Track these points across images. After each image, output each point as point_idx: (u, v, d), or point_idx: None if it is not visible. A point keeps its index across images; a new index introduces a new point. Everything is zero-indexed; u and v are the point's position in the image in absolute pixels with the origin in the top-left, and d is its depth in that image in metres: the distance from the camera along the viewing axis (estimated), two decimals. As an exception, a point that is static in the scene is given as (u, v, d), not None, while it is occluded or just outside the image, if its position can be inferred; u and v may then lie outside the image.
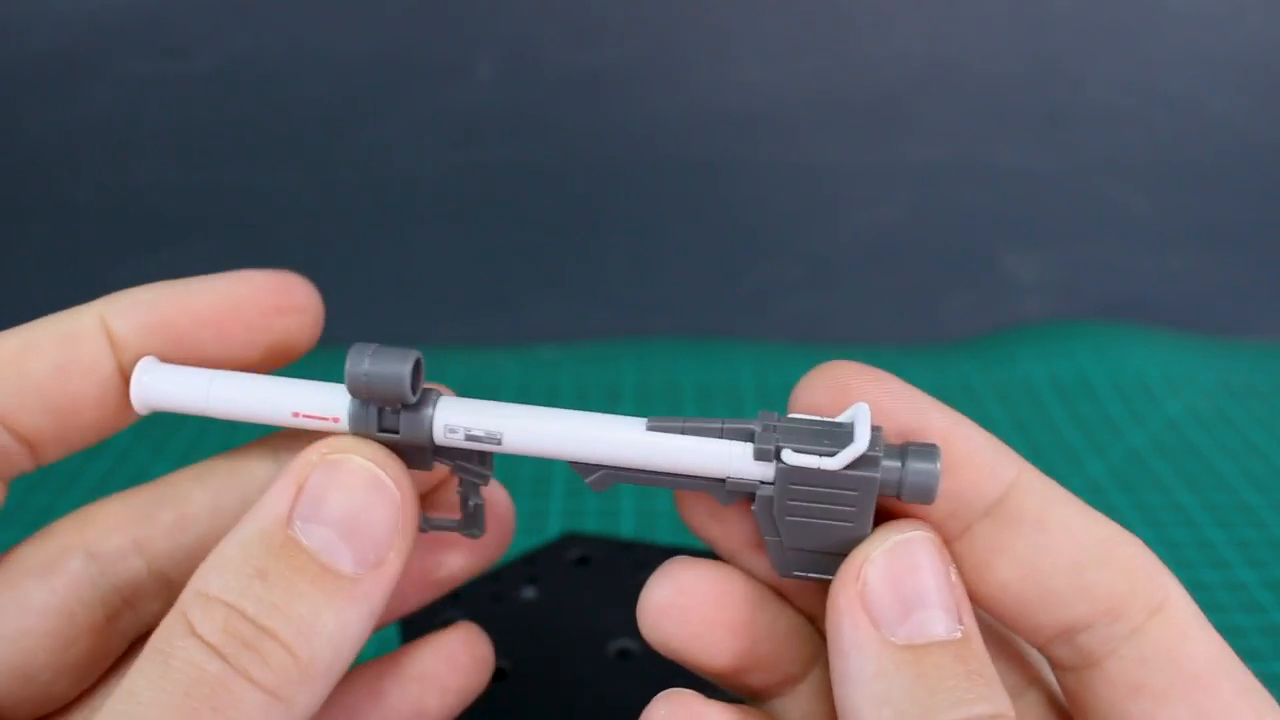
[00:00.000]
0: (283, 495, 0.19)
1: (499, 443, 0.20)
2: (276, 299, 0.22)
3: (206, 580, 0.19)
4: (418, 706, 0.23)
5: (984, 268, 0.63)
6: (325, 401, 0.21)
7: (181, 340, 0.22)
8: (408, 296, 0.61)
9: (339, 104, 0.59)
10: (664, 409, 0.53)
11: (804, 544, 0.20)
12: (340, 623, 0.19)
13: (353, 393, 0.20)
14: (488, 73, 0.59)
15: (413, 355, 0.20)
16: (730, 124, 0.61)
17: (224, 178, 0.60)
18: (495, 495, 0.24)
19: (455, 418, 0.20)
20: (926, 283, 0.63)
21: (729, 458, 0.19)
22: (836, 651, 0.19)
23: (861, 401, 0.19)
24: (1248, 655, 0.38)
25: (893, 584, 0.19)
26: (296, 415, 0.21)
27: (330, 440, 0.20)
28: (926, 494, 0.19)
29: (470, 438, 0.20)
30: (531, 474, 0.47)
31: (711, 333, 0.58)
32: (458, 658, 0.24)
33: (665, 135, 0.61)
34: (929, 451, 0.19)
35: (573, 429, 0.20)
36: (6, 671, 0.21)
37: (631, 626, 0.35)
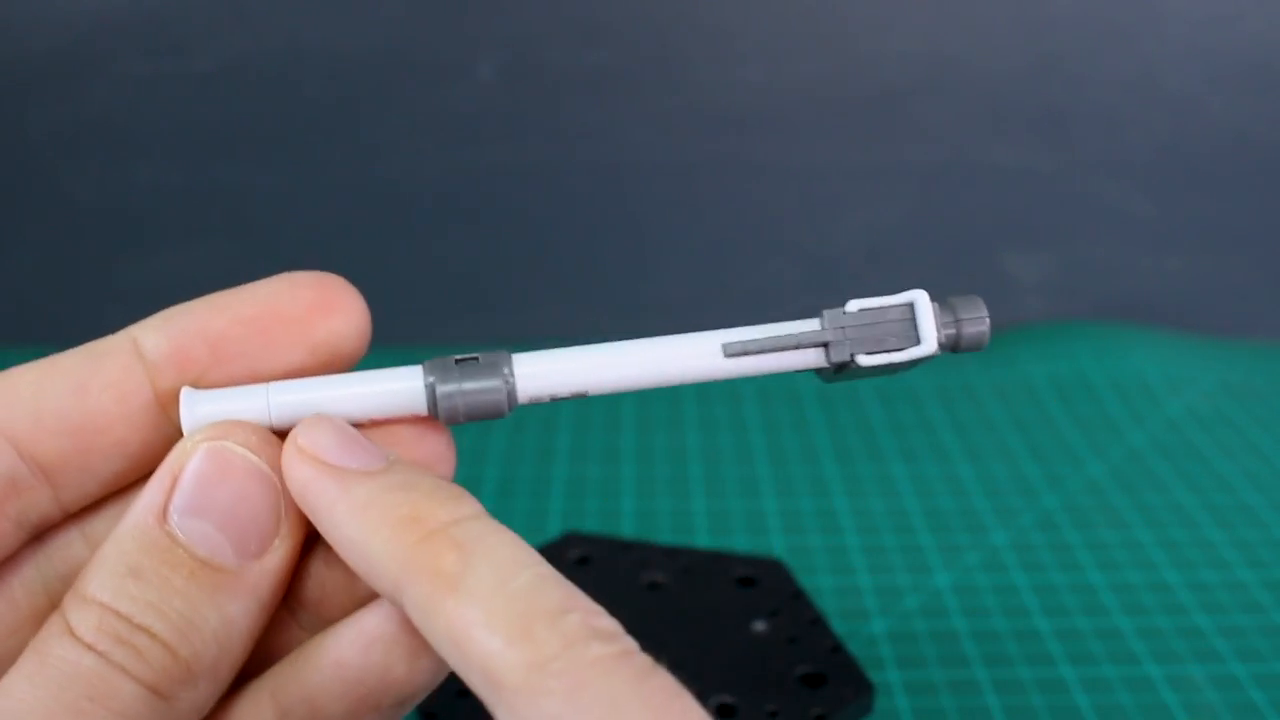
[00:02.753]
0: (157, 488, 0.19)
1: (584, 394, 0.20)
2: (319, 299, 0.21)
3: (85, 580, 0.18)
4: (383, 674, 0.20)
5: (984, 268, 0.63)
6: (399, 400, 0.20)
7: (221, 348, 0.20)
8: (408, 296, 0.61)
9: (339, 104, 0.59)
10: (664, 409, 0.53)
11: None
12: (223, 618, 0.19)
13: (447, 421, 0.20)
14: (488, 73, 0.59)
15: (499, 373, 0.20)
16: (730, 124, 0.61)
17: (224, 178, 0.60)
18: None
19: (537, 388, 0.20)
20: (926, 283, 0.63)
21: (803, 362, 0.20)
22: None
23: (920, 290, 0.20)
24: (1248, 655, 0.38)
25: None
26: (375, 421, 0.20)
27: (207, 427, 0.19)
28: (979, 346, 0.20)
29: (555, 399, 0.20)
30: (532, 474, 0.47)
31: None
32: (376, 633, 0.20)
33: (665, 135, 0.61)
34: (975, 305, 0.21)
35: (653, 369, 0.20)
36: None
37: (632, 626, 0.35)
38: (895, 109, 0.61)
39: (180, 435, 0.20)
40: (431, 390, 0.20)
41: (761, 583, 0.38)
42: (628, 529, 0.44)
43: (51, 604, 0.21)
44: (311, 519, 0.19)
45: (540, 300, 0.63)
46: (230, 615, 0.19)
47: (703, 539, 0.44)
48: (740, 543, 0.43)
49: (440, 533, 0.18)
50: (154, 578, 0.18)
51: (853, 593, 0.41)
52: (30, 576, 0.21)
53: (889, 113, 0.61)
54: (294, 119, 0.59)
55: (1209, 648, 0.38)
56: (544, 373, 0.20)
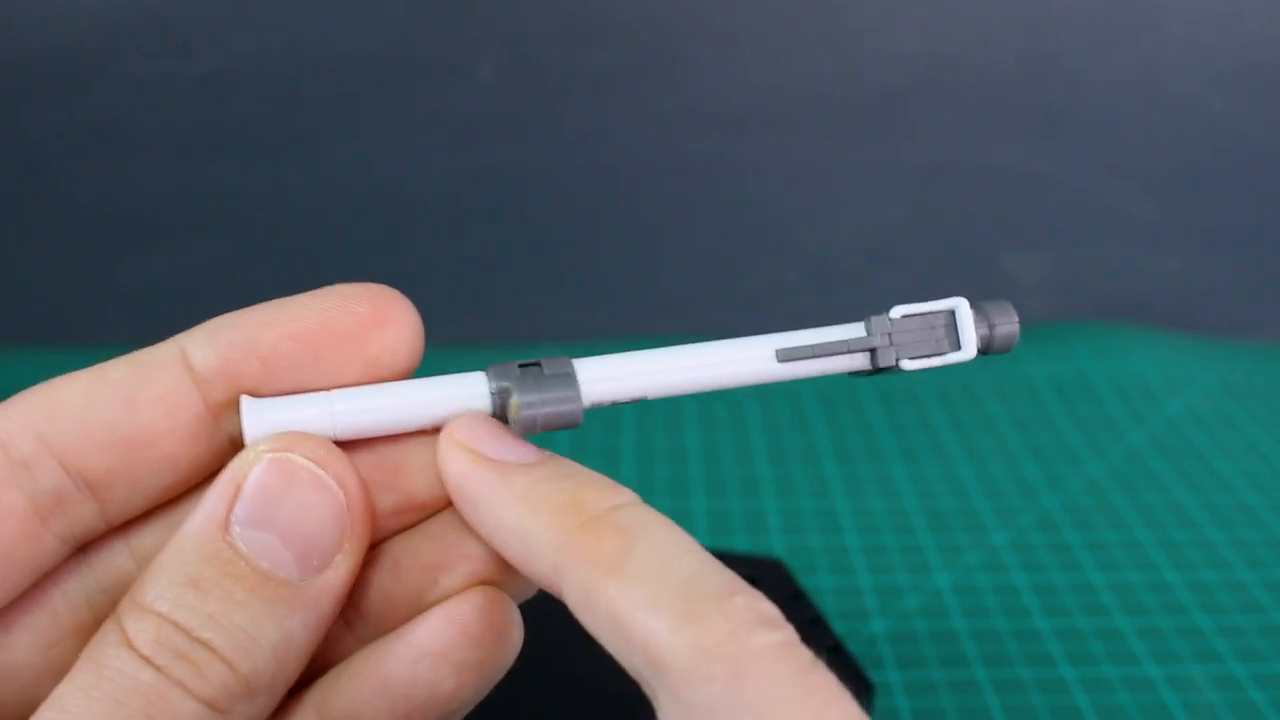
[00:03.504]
0: (219, 498, 0.19)
1: (644, 398, 0.21)
2: (372, 310, 0.20)
3: (143, 589, 0.18)
4: (430, 689, 0.20)
5: (984, 268, 0.63)
6: (464, 406, 0.20)
7: (273, 363, 0.20)
8: (408, 296, 0.61)
9: (339, 104, 0.59)
10: (664, 409, 0.53)
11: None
12: (284, 632, 0.18)
13: (523, 432, 0.20)
14: (488, 73, 0.59)
15: (574, 382, 0.20)
16: (731, 124, 0.61)
17: (224, 178, 0.60)
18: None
19: (601, 394, 0.20)
20: (926, 283, 0.63)
21: (848, 366, 0.21)
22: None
23: (961, 297, 0.22)
24: (1248, 655, 0.38)
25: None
26: (436, 427, 0.20)
27: (271, 438, 0.19)
28: (1009, 347, 0.22)
29: (615, 404, 0.21)
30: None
31: (711, 333, 0.58)
32: (473, 629, 0.20)
33: (665, 135, 0.61)
34: (1006, 311, 0.22)
35: (711, 373, 0.21)
36: None
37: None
38: (895, 109, 0.61)
39: (232, 447, 0.20)
40: (500, 398, 0.20)
41: (761, 583, 0.38)
42: (628, 529, 0.44)
43: (94, 617, 0.20)
44: (467, 511, 0.19)
45: (540, 300, 0.63)
46: (290, 630, 0.18)
47: (703, 539, 0.43)
48: (740, 543, 0.43)
49: (601, 518, 0.18)
50: (215, 589, 0.18)
51: (853, 593, 0.41)
52: (73, 589, 0.20)
53: (889, 113, 0.61)
54: (294, 119, 0.59)
55: (1209, 648, 0.38)
56: (610, 377, 0.20)
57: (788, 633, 0.17)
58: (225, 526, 0.18)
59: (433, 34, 0.58)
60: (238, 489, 0.19)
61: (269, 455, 0.19)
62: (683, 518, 0.45)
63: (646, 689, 0.17)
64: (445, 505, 0.21)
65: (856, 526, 0.45)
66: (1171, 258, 0.64)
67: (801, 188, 0.62)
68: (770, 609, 0.17)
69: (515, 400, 0.20)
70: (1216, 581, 0.42)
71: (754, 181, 0.62)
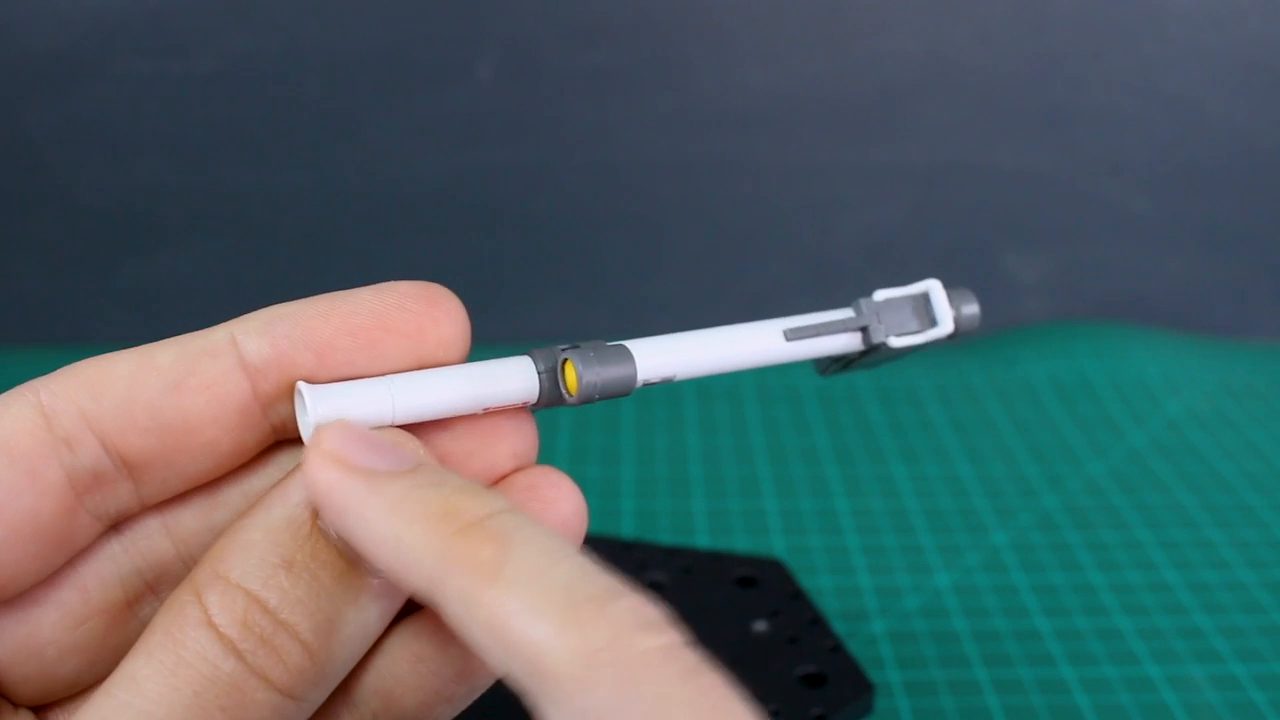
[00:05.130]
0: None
1: (673, 379, 0.22)
2: (428, 309, 0.20)
3: (227, 562, 0.18)
4: (461, 667, 0.20)
5: (984, 268, 0.63)
6: (515, 388, 0.21)
7: (330, 358, 0.20)
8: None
9: (339, 104, 0.59)
10: (664, 409, 0.53)
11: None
12: (361, 622, 0.19)
13: (583, 400, 0.21)
14: (488, 73, 0.59)
15: (628, 353, 0.21)
16: (730, 124, 0.61)
17: (224, 178, 0.60)
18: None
19: (647, 372, 0.22)
20: (926, 283, 0.63)
21: (844, 345, 0.24)
22: None
23: (934, 279, 0.24)
24: (1248, 656, 0.38)
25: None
26: (487, 410, 0.21)
27: (365, 430, 0.19)
28: (974, 325, 0.24)
29: (646, 384, 0.22)
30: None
31: (711, 333, 0.58)
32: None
33: (665, 135, 0.61)
34: (968, 297, 0.24)
35: (728, 353, 0.23)
36: (10, 640, 0.19)
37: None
38: (895, 109, 0.61)
39: (274, 435, 0.20)
40: (548, 377, 0.21)
41: (761, 583, 0.38)
42: (628, 529, 0.44)
43: (126, 598, 0.20)
44: (337, 523, 0.19)
45: (540, 300, 0.63)
46: (367, 620, 0.19)
47: (703, 539, 0.44)
48: (740, 543, 0.43)
49: (476, 525, 0.17)
50: (305, 574, 0.18)
51: (853, 593, 0.41)
52: (105, 569, 0.20)
53: (889, 113, 0.61)
54: (294, 119, 0.59)
55: (1209, 648, 0.38)
56: (650, 354, 0.22)
57: (674, 635, 0.16)
58: (316, 513, 0.19)
59: (432, 34, 0.58)
60: None
61: None
62: (683, 518, 0.45)
63: (528, 700, 0.16)
64: None
65: (856, 526, 0.45)
66: (1171, 258, 0.64)
67: (801, 188, 0.62)
68: (654, 612, 0.16)
69: (577, 370, 0.21)
70: (1216, 581, 0.42)
71: (753, 181, 0.62)
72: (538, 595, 0.16)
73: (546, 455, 0.48)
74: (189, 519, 0.21)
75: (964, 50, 0.60)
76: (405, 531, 0.18)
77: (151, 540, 0.20)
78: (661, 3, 0.58)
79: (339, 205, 0.61)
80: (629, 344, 0.22)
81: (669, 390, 0.55)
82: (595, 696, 0.15)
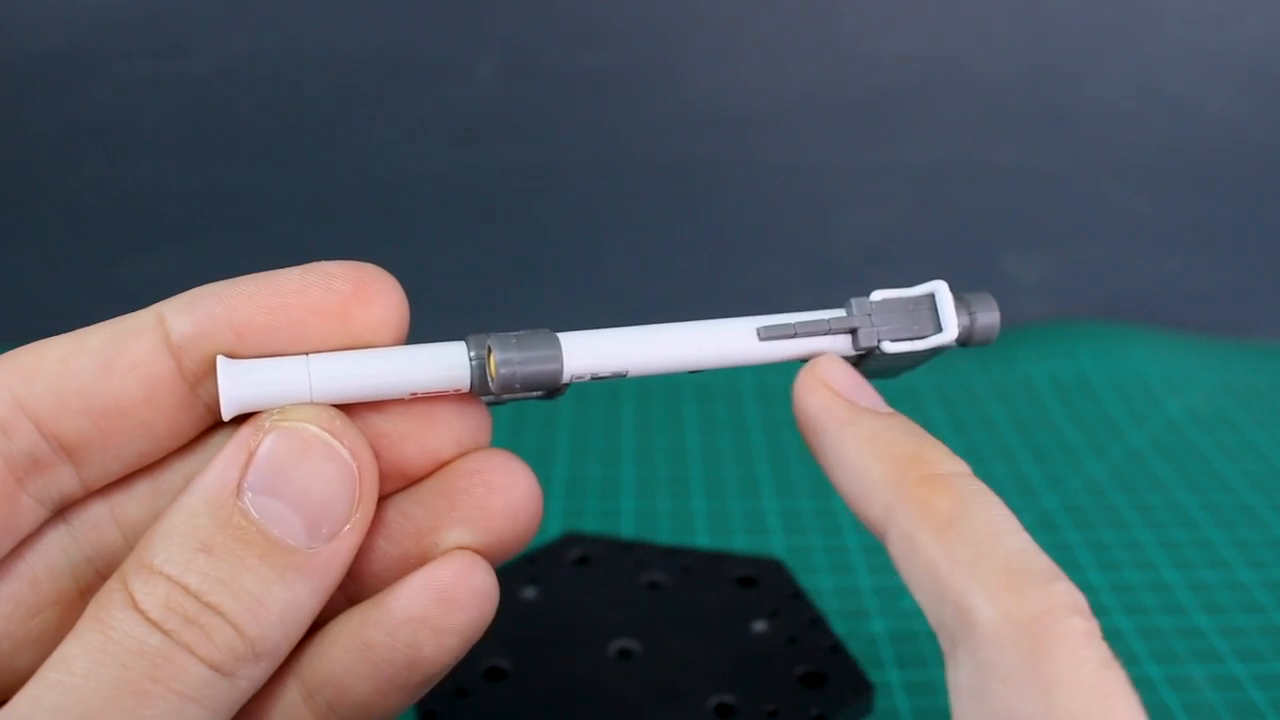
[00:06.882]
0: (232, 463, 0.19)
1: (625, 374, 0.21)
2: (355, 289, 0.20)
3: (151, 550, 0.18)
4: (411, 655, 0.20)
5: (984, 268, 0.63)
6: (443, 374, 0.20)
7: (251, 336, 0.20)
8: (407, 296, 0.61)
9: (339, 104, 0.59)
10: (664, 408, 0.53)
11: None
12: (292, 599, 0.19)
13: (502, 390, 0.19)
14: (488, 73, 0.59)
15: (556, 343, 0.20)
16: (730, 124, 0.61)
17: (224, 178, 0.60)
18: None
19: (581, 365, 0.20)
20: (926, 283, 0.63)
21: (830, 348, 0.22)
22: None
23: (941, 281, 0.22)
24: (1248, 655, 0.38)
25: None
26: (414, 395, 0.20)
27: (287, 407, 0.19)
28: (990, 337, 0.22)
29: (595, 378, 0.20)
30: (531, 474, 0.47)
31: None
32: (451, 593, 0.20)
33: (666, 135, 0.61)
34: (987, 302, 0.22)
35: (692, 350, 0.21)
36: None
37: (632, 626, 0.35)
38: (895, 109, 0.61)
39: (210, 415, 0.20)
40: (478, 366, 0.20)
41: (761, 583, 0.38)
42: (628, 529, 0.44)
43: (78, 588, 0.20)
44: (813, 443, 0.21)
45: (540, 300, 0.63)
46: (298, 596, 0.19)
47: (703, 539, 0.44)
48: (740, 543, 0.43)
49: (941, 478, 0.19)
50: (226, 554, 0.18)
51: (853, 593, 0.41)
52: (55, 559, 0.20)
53: (889, 113, 0.61)
54: (294, 119, 0.59)
55: (1209, 648, 0.38)
56: (589, 349, 0.20)
57: (1096, 626, 0.18)
58: (238, 493, 0.18)
59: (433, 34, 0.58)
60: (250, 456, 0.19)
61: (283, 424, 0.19)
62: (683, 518, 0.45)
63: (944, 642, 0.19)
64: (428, 473, 0.21)
65: (856, 526, 0.45)
66: (1171, 258, 0.64)
67: (801, 188, 0.62)
68: (1085, 602, 0.18)
69: (495, 357, 0.20)
70: (1216, 581, 0.42)
71: (754, 181, 0.62)
72: (982, 557, 0.18)
73: (546, 455, 0.48)
74: (134, 506, 0.21)
75: (964, 50, 0.60)
76: (873, 464, 0.20)
77: (99, 529, 0.21)
78: (661, 3, 0.58)
79: (339, 205, 0.61)
80: (564, 335, 0.20)
81: (669, 390, 0.55)
82: (1011, 658, 0.17)
